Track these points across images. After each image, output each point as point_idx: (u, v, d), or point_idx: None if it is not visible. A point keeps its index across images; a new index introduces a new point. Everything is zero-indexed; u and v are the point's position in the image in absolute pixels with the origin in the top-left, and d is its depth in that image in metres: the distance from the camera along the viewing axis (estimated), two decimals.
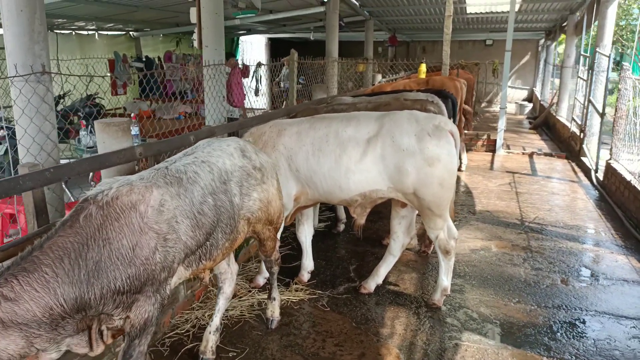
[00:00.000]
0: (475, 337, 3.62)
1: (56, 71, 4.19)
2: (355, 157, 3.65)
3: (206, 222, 2.51)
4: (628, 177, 6.71)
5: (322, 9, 10.89)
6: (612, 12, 9.27)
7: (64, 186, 3.28)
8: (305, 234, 4.44)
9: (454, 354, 3.42)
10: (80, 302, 2.03)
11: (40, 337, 1.95)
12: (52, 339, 2.00)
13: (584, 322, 3.84)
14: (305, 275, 4.42)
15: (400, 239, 4.15)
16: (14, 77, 3.17)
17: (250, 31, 17.76)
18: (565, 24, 14.57)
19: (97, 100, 9.00)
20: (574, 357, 3.39)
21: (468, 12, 14.49)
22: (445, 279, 3.96)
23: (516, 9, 13.11)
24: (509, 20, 10.06)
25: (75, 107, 7.92)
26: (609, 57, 8.30)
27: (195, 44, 5.87)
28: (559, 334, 3.68)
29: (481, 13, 14.74)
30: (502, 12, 14.08)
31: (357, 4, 13.32)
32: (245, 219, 2.90)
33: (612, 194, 7.19)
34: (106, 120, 3.15)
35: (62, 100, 8.80)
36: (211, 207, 2.55)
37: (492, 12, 14.42)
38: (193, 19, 5.83)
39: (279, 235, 3.65)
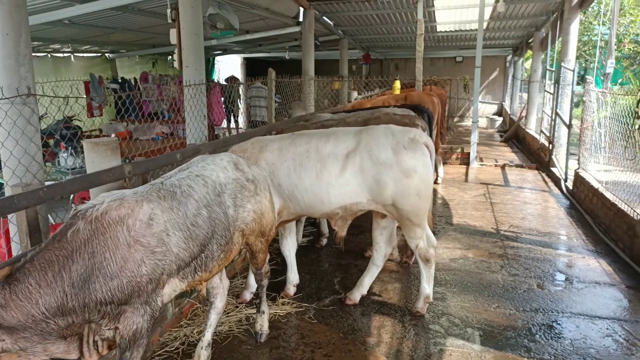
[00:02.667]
0: (459, 342, 3.74)
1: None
2: (336, 172, 3.78)
3: (200, 233, 2.59)
4: (596, 185, 7.02)
5: (297, 28, 11.14)
6: (574, 29, 9.73)
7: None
8: (289, 248, 4.52)
9: (439, 359, 3.53)
10: (63, 311, 2.16)
11: (25, 338, 2.13)
12: (37, 340, 2.17)
13: (560, 324, 4.01)
14: (291, 289, 4.49)
15: (382, 249, 4.28)
16: (0, 99, 3.20)
17: (226, 51, 17.94)
18: (531, 40, 15.18)
19: (74, 122, 8.94)
20: (552, 357, 3.53)
21: (438, 30, 14.98)
22: (427, 287, 4.08)
23: (485, 27, 13.64)
24: (477, 39, 10.46)
25: (50, 130, 7.86)
26: (573, 71, 8.70)
27: (176, 64, 5.97)
28: (537, 335, 3.83)
29: (451, 31, 15.26)
30: (471, 30, 14.60)
31: (332, 23, 13.63)
32: (239, 231, 2.99)
33: (582, 201, 7.48)
34: (94, 140, 3.20)
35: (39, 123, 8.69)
36: (205, 219, 2.63)
37: (461, 30, 14.94)
38: (173, 40, 5.94)
39: None
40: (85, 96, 11.31)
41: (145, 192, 2.51)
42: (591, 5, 19.80)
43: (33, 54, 10.99)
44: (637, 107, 5.53)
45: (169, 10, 5.81)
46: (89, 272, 2.19)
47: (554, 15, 11.67)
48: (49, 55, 12.44)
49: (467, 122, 20.14)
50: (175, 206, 2.51)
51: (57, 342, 2.23)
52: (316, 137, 3.96)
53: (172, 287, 2.57)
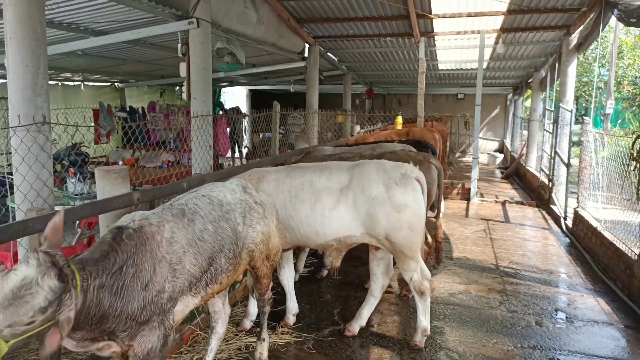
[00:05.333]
0: None
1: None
2: (329, 205, 3.89)
3: (207, 247, 2.70)
4: (594, 223, 7.09)
5: (303, 63, 11.45)
6: (572, 71, 10.00)
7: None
8: (287, 277, 4.58)
9: None
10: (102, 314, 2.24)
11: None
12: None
13: None
14: (290, 318, 4.52)
15: (379, 280, 4.34)
16: (17, 127, 3.34)
17: (232, 83, 18.33)
18: (530, 80, 15.52)
19: (82, 149, 9.11)
20: None
21: (440, 68, 15.35)
22: (424, 320, 4.12)
23: (485, 67, 14.00)
24: (477, 78, 10.73)
25: (60, 155, 8.01)
26: (571, 112, 8.90)
27: (184, 96, 6.16)
28: None
29: (452, 70, 15.63)
30: (472, 69, 14.95)
31: (336, 59, 14.01)
32: (248, 250, 3.10)
33: (581, 240, 7.53)
34: (105, 168, 3.33)
35: None
36: (211, 234, 2.75)
37: (462, 69, 15.30)
38: (183, 72, 6.15)
39: None
40: (95, 124, 11.54)
41: (161, 212, 2.64)
42: (590, 48, 20.35)
43: None
44: (632, 148, 5.66)
45: (179, 45, 6.05)
46: (132, 277, 2.30)
47: (552, 57, 11.99)
48: (60, 84, 12.76)
49: (469, 158, 20.34)
50: (185, 223, 2.64)
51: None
52: (310, 170, 4.09)
53: (185, 304, 2.64)
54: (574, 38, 9.90)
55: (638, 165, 5.59)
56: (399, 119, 11.04)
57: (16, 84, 3.51)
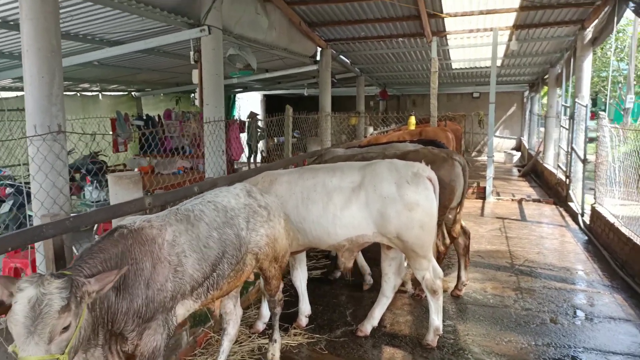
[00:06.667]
0: None
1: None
2: (341, 205, 3.92)
3: (212, 254, 2.77)
4: (612, 219, 6.98)
5: (315, 67, 11.51)
6: (587, 65, 9.87)
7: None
8: (300, 279, 4.63)
9: None
10: (112, 313, 2.33)
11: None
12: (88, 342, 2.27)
13: (573, 359, 3.99)
14: (303, 320, 4.56)
15: (391, 280, 4.36)
16: (33, 136, 3.46)
17: (246, 89, 18.51)
18: (546, 76, 15.34)
19: (100, 157, 9.33)
20: None
21: (453, 67, 15.27)
22: (436, 319, 4.12)
23: (499, 64, 13.88)
24: (491, 75, 10.65)
25: (77, 164, 8.22)
26: (586, 106, 8.78)
27: (197, 102, 6.27)
28: None
29: (465, 68, 15.54)
30: (485, 67, 14.84)
31: (349, 61, 14.04)
32: (253, 254, 3.16)
33: (599, 236, 7.42)
34: (118, 174, 3.43)
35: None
36: (216, 240, 2.81)
37: (475, 67, 15.19)
38: (195, 79, 6.26)
39: None
40: (111, 132, 11.79)
41: (165, 216, 2.72)
42: (609, 43, 19.99)
43: (65, 93, 11.55)
44: None
45: (192, 53, 6.16)
46: (132, 276, 2.39)
47: (567, 53, 11.84)
48: (78, 94, 13.08)
49: (484, 157, 20.15)
50: (189, 229, 2.72)
51: (95, 349, 2.37)
52: (323, 171, 4.13)
53: (186, 308, 2.72)
54: (589, 32, 9.78)
55: None
56: (412, 120, 11.02)
57: (33, 95, 3.63)
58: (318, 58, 11.52)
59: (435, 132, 8.77)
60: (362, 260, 5.73)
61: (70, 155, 9.35)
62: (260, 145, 14.52)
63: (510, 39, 10.94)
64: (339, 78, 14.74)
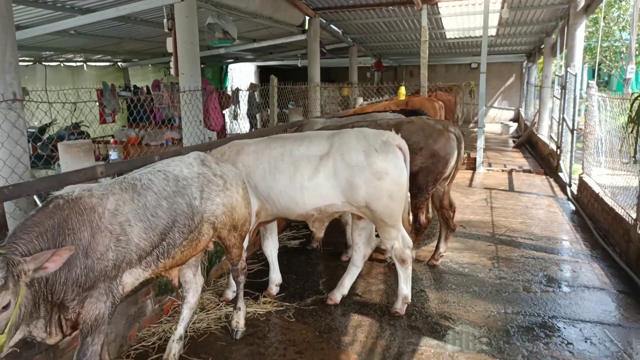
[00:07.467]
0: (433, 342, 3.75)
1: (39, 100, 4.44)
2: (308, 174, 3.85)
3: (160, 223, 2.72)
4: (597, 189, 6.91)
5: (303, 36, 11.27)
6: (580, 34, 9.65)
7: (35, 199, 3.45)
8: (271, 248, 4.60)
9: (410, 357, 3.55)
10: (50, 284, 2.30)
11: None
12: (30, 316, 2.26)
13: (539, 327, 3.98)
14: (273, 289, 4.56)
15: (361, 250, 4.32)
16: None
17: (238, 59, 18.20)
18: (543, 46, 15.03)
19: (82, 129, 9.23)
20: (525, 359, 3.51)
21: (447, 37, 14.96)
22: (405, 288, 4.10)
23: (493, 33, 13.59)
24: (482, 45, 10.43)
25: (61, 134, 8.13)
26: (575, 75, 8.60)
27: (172, 71, 6.14)
28: (514, 337, 3.81)
29: (460, 38, 15.22)
30: (480, 37, 14.53)
31: (340, 31, 13.75)
32: (210, 223, 3.11)
33: (585, 206, 7.37)
34: (68, 142, 3.34)
35: (48, 128, 9.04)
36: (165, 209, 2.76)
37: (470, 37, 14.88)
38: (169, 48, 6.11)
39: (245, 245, 3.82)
40: (95, 101, 11.62)
41: (109, 185, 2.66)
42: (611, 12, 19.53)
43: (46, 63, 11.37)
44: (630, 110, 5.46)
45: (165, 20, 5.99)
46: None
47: (562, 22, 11.56)
48: (62, 65, 12.86)
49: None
50: (135, 197, 2.66)
51: (36, 322, 2.35)
52: (290, 140, 4.04)
53: (135, 277, 2.68)
54: (582, 0, 9.51)
55: (636, 128, 5.40)
56: (402, 90, 10.85)
57: None
58: (307, 28, 11.27)
59: (421, 102, 8.63)
60: (349, 232, 5.70)
61: (52, 126, 9.31)
62: (258, 116, 14.35)
63: (502, 7, 10.66)
64: (332, 48, 14.49)
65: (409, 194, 5.14)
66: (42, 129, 9.10)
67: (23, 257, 2.11)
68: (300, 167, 3.86)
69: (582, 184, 7.70)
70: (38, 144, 8.65)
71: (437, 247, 5.37)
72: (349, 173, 3.79)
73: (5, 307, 2.02)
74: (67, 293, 2.33)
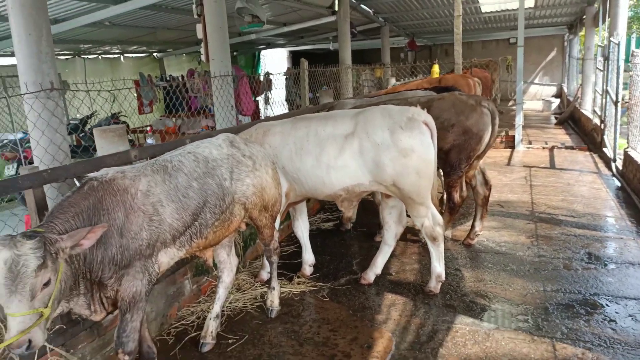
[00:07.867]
0: (469, 320, 3.70)
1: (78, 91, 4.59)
2: (335, 154, 3.83)
3: (192, 204, 2.78)
4: None
5: (333, 18, 11.15)
6: (624, 1, 9.12)
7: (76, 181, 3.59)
8: (302, 229, 4.62)
9: (444, 335, 3.51)
10: (88, 262, 2.39)
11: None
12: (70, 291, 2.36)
13: (580, 304, 3.86)
14: (307, 269, 4.59)
15: (392, 229, 4.29)
16: (24, 94, 3.51)
17: (270, 45, 18.24)
18: (584, 16, 14.33)
19: (121, 119, 9.51)
20: (564, 337, 3.42)
21: (483, 11, 14.47)
22: (438, 266, 4.05)
23: (531, 5, 13.05)
24: (519, 17, 10.04)
25: (101, 125, 8.41)
26: (618, 44, 8.17)
27: (203, 57, 6.20)
28: (553, 315, 3.71)
29: (496, 11, 14.70)
30: (517, 10, 13.99)
31: (371, 11, 13.53)
32: (240, 203, 3.16)
33: (630, 182, 7.06)
34: (104, 127, 3.45)
35: (89, 120, 9.37)
36: (196, 190, 2.82)
37: (507, 10, 14.35)
38: (199, 34, 6.18)
39: (277, 226, 3.86)
40: (133, 88, 11.90)
41: (141, 167, 2.74)
42: None
43: (85, 56, 11.70)
44: None
45: (194, 6, 6.05)
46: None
47: None
48: (100, 57, 13.25)
49: (525, 106, 19.35)
50: (167, 179, 2.73)
51: (79, 298, 2.46)
52: (315, 120, 4.03)
53: (170, 256, 2.76)
54: None
55: None
56: (436, 68, 10.59)
57: (22, 53, 3.67)
58: (336, 8, 11.14)
59: (455, 79, 8.39)
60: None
61: (94, 117, 9.64)
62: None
63: None
64: (363, 29, 14.29)
65: (441, 172, 5.07)
66: (84, 121, 9.45)
67: (60, 235, 2.20)
68: (326, 147, 3.85)
69: (628, 159, 7.36)
70: (81, 135, 8.99)
71: (473, 226, 5.27)
72: (374, 152, 3.75)
73: (47, 284, 2.12)
74: (105, 271, 2.42)
